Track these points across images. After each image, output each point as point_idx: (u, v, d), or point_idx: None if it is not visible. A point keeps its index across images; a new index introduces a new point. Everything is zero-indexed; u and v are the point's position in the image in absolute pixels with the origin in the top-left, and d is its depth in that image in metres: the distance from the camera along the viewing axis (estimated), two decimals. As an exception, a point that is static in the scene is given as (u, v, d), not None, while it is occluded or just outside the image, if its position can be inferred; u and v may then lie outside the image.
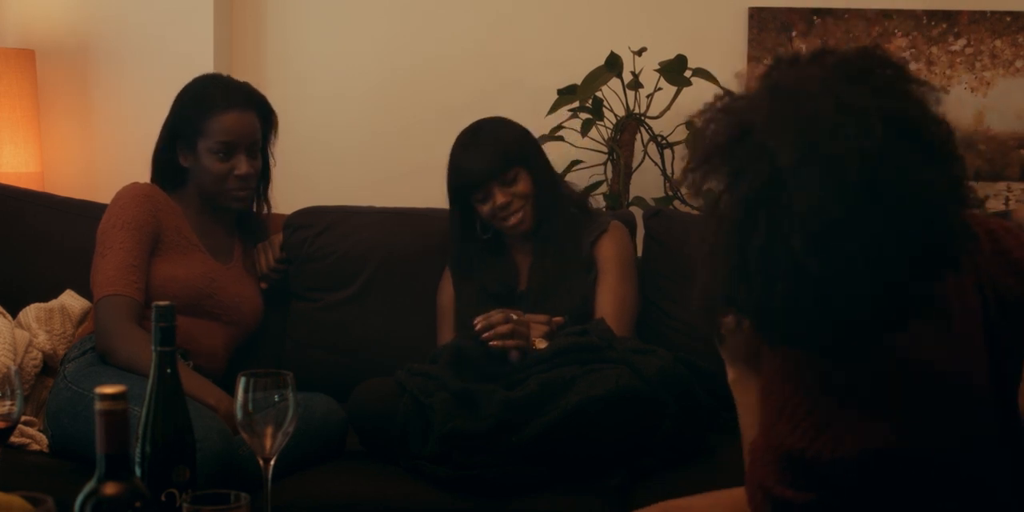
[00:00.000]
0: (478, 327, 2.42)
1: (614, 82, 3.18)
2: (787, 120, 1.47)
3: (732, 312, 1.57)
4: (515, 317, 2.45)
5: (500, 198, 2.61)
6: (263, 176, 2.76)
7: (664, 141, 3.26)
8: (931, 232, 1.44)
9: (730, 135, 1.52)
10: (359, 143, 3.51)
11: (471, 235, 2.72)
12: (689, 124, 3.16)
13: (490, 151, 2.64)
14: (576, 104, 3.17)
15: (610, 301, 2.62)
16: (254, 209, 2.81)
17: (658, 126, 3.24)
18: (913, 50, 3.32)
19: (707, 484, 2.34)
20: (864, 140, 1.42)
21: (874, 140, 1.42)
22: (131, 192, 2.61)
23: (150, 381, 1.60)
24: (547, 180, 2.69)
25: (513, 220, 2.63)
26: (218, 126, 2.60)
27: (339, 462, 2.43)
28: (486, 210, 2.64)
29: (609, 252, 2.66)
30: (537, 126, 2.93)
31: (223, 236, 2.74)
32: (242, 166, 2.61)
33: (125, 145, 3.32)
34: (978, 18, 3.30)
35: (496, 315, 2.44)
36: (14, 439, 2.39)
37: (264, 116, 2.71)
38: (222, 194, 2.64)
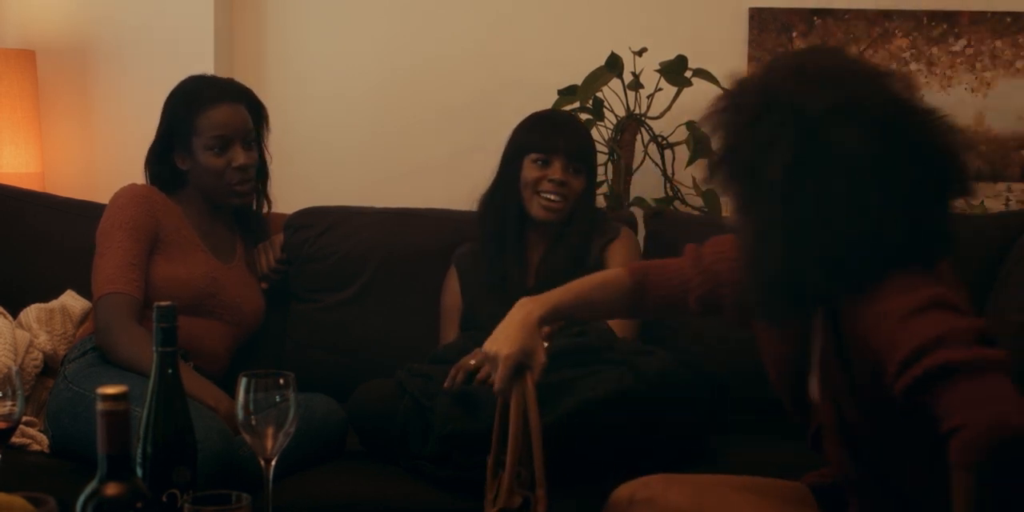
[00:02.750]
0: (448, 385, 2.39)
1: (614, 82, 3.18)
2: (809, 77, 1.63)
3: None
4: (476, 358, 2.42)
5: (558, 173, 2.62)
6: (260, 171, 2.75)
7: (664, 141, 3.26)
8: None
9: (754, 111, 1.64)
10: (359, 143, 3.51)
11: (508, 208, 2.70)
12: (690, 124, 3.16)
13: (577, 139, 2.69)
14: (576, 104, 3.17)
15: None
16: (255, 206, 2.81)
17: (658, 126, 3.24)
18: (913, 51, 3.32)
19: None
20: (884, 89, 1.64)
21: (890, 92, 1.64)
22: (129, 193, 2.61)
23: (151, 381, 1.60)
24: (590, 195, 2.76)
25: (555, 199, 2.63)
26: (209, 121, 2.59)
27: (339, 462, 2.43)
28: (536, 175, 2.63)
29: (619, 258, 2.66)
30: (537, 126, 2.93)
31: (225, 236, 2.74)
32: (239, 157, 2.60)
33: (125, 145, 3.32)
34: (979, 19, 3.30)
35: (461, 368, 2.41)
36: (15, 440, 2.39)
37: (253, 108, 2.70)
38: (223, 190, 2.64)
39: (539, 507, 1.84)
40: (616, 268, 2.10)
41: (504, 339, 1.92)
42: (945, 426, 1.49)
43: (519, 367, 1.90)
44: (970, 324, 1.55)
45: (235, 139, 2.61)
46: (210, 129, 2.59)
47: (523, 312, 1.95)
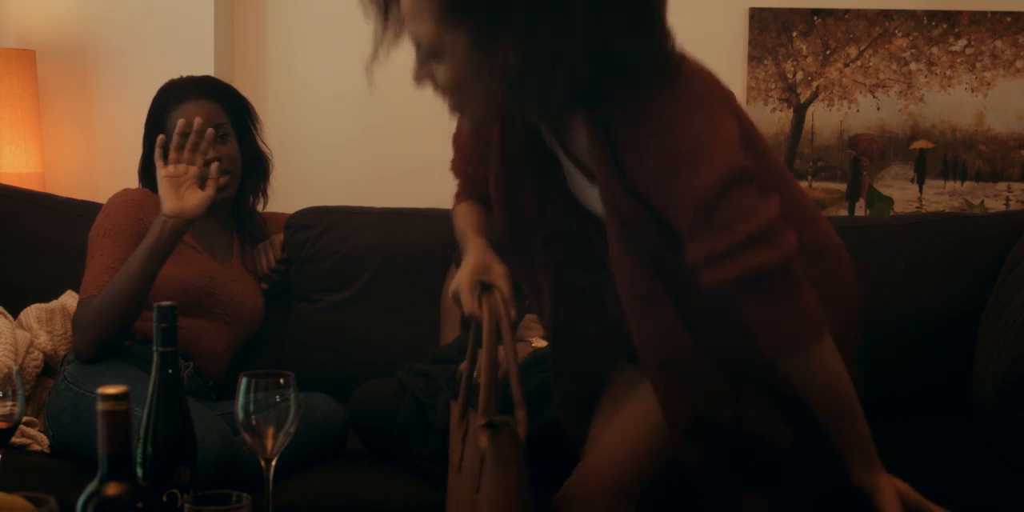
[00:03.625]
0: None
1: (614, 82, 3.18)
2: None
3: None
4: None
5: None
6: (254, 167, 2.75)
7: (664, 141, 3.25)
8: None
9: None
10: (360, 143, 3.51)
11: None
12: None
13: None
14: (576, 104, 3.16)
15: None
16: (251, 203, 2.80)
17: (658, 126, 3.24)
18: (913, 50, 3.32)
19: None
20: None
21: None
22: (119, 199, 2.61)
23: (151, 382, 1.60)
24: None
25: None
26: (174, 122, 2.59)
27: (340, 462, 2.43)
28: None
29: None
30: (537, 126, 2.93)
31: (221, 236, 2.74)
32: (208, 152, 2.59)
33: (125, 145, 3.31)
34: (979, 18, 3.30)
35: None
36: (15, 440, 2.39)
37: (227, 102, 2.68)
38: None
39: (519, 428, 1.78)
40: (456, 207, 2.11)
41: (457, 277, 1.91)
42: (762, 342, 1.65)
43: (484, 286, 1.87)
44: (769, 212, 1.62)
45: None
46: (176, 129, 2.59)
47: (466, 253, 1.94)
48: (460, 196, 2.14)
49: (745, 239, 1.60)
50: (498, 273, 1.90)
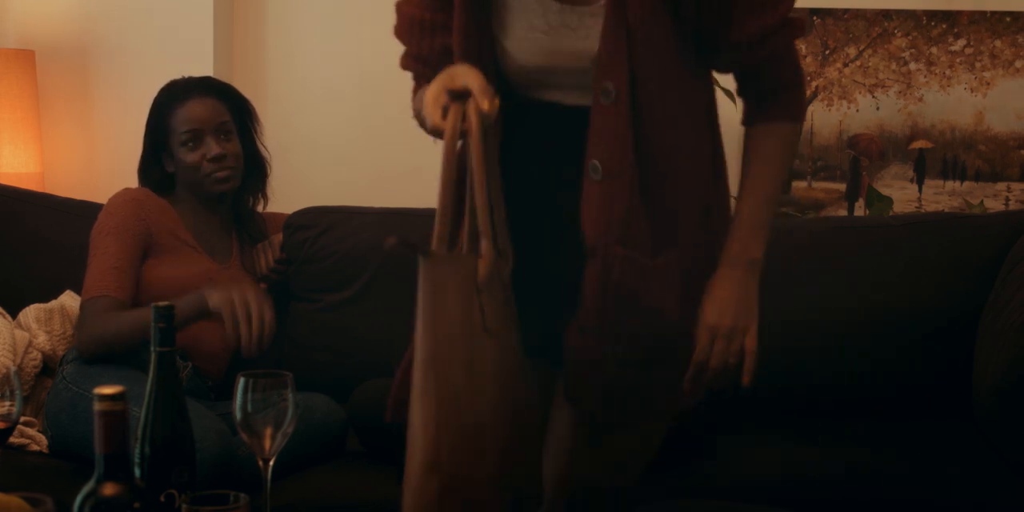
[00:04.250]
0: None
1: (614, 82, 3.18)
2: None
3: None
4: None
5: None
6: (255, 167, 2.75)
7: (664, 141, 3.25)
8: None
9: None
10: (360, 143, 3.51)
11: None
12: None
13: None
14: (576, 104, 3.16)
15: None
16: (250, 204, 2.81)
17: (658, 126, 3.23)
18: (913, 50, 3.32)
19: (708, 483, 2.34)
20: None
21: None
22: (120, 198, 2.62)
23: (149, 382, 1.60)
24: None
25: None
26: (179, 118, 2.61)
27: (339, 462, 2.43)
28: None
29: None
30: (537, 126, 2.93)
31: (220, 236, 2.74)
32: (213, 148, 2.60)
33: (125, 145, 3.31)
34: (978, 18, 3.30)
35: None
36: (13, 440, 2.39)
37: (229, 101, 2.70)
38: (204, 181, 2.64)
39: (481, 263, 1.53)
40: (415, 97, 1.87)
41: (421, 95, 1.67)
42: (776, 83, 1.78)
43: (453, 95, 1.59)
44: None
45: (206, 132, 2.61)
46: (180, 125, 2.61)
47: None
48: (417, 88, 1.98)
49: (784, 16, 1.76)
50: (468, 73, 1.60)
